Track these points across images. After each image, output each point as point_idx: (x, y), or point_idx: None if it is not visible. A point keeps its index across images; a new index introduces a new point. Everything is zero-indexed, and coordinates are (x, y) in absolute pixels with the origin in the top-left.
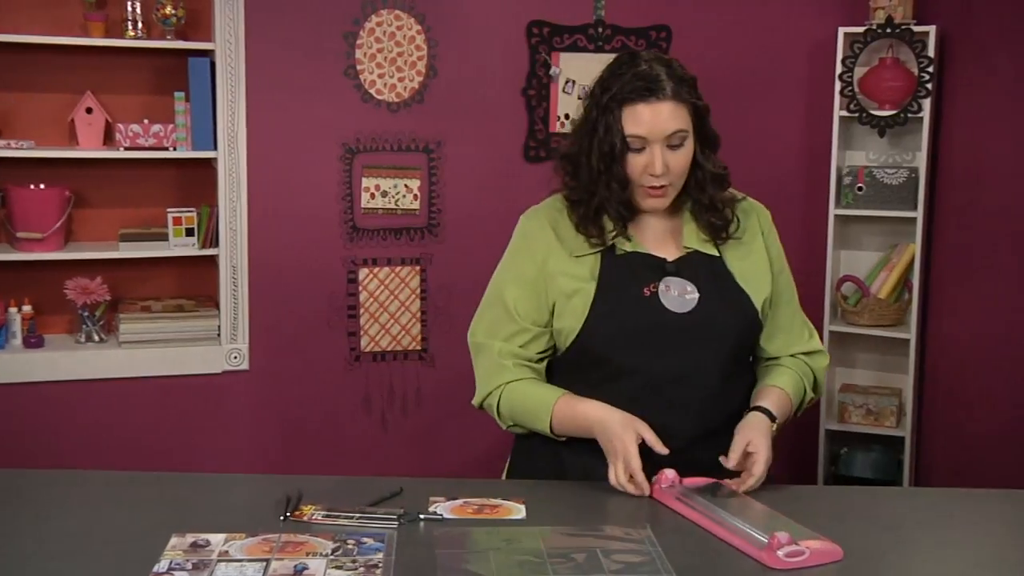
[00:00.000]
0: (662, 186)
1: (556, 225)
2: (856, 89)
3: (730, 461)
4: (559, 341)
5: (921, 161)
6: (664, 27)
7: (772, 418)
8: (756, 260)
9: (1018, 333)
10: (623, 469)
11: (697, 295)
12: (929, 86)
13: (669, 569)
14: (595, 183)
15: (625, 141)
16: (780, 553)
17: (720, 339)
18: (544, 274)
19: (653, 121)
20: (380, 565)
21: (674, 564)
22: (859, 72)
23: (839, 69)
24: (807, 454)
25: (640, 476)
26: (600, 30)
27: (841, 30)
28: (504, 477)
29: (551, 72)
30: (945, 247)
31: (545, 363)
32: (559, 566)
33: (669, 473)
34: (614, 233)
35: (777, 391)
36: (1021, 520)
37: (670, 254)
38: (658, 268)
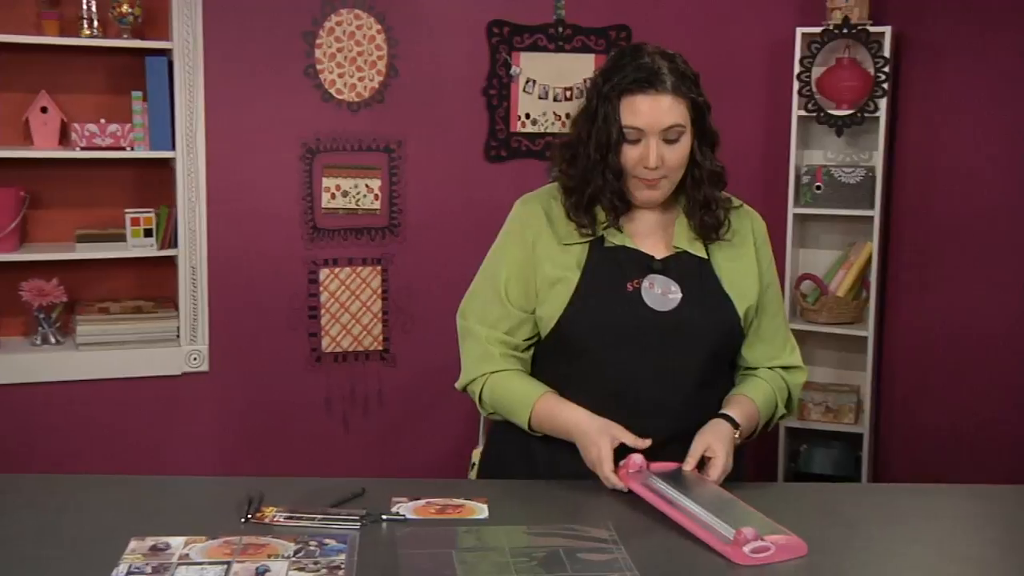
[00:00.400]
0: (656, 179)
1: (549, 211)
2: (814, 89)
3: (688, 464)
4: (540, 327)
5: (878, 160)
6: (624, 27)
7: (736, 426)
8: (744, 265)
9: (973, 330)
10: (604, 477)
11: (680, 295)
12: (885, 86)
13: (632, 567)
14: (591, 172)
15: (622, 131)
16: (746, 549)
17: (698, 342)
18: (532, 258)
19: (651, 113)
20: (342, 566)
21: (637, 563)
22: (817, 72)
23: (797, 69)
24: (767, 451)
25: (614, 479)
26: (560, 30)
27: (799, 30)
28: (478, 461)
29: (512, 72)
30: (902, 245)
31: (531, 352)
32: (522, 565)
33: (636, 458)
34: (605, 224)
35: (746, 401)
36: (975, 515)
37: (659, 252)
38: (644, 265)
